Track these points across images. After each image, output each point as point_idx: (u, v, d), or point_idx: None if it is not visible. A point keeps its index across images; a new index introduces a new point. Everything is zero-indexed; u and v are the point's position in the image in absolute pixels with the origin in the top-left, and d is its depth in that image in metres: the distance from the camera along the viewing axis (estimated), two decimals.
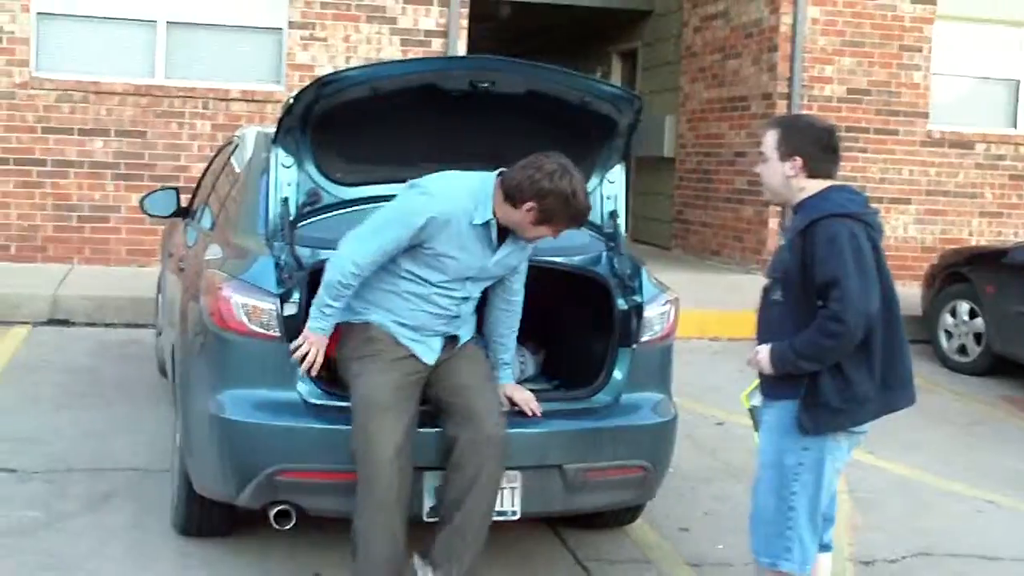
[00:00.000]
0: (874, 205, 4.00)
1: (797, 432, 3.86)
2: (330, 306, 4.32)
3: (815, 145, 3.93)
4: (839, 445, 3.92)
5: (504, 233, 4.39)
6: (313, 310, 4.36)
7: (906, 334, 3.98)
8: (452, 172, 4.41)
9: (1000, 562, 5.39)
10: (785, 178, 3.93)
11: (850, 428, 3.90)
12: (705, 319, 10.11)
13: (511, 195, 4.24)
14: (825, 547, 4.13)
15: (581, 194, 4.24)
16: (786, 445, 3.89)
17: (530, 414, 4.53)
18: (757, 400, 4.06)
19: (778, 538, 3.92)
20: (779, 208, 12.51)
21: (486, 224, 4.31)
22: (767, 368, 3.89)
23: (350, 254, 4.29)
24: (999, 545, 5.58)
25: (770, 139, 3.97)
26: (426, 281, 4.37)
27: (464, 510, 4.27)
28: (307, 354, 4.32)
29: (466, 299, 4.49)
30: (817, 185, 3.91)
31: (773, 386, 3.93)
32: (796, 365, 3.80)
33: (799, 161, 3.90)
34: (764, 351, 3.89)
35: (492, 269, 4.45)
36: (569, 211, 4.24)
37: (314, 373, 4.38)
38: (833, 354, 3.75)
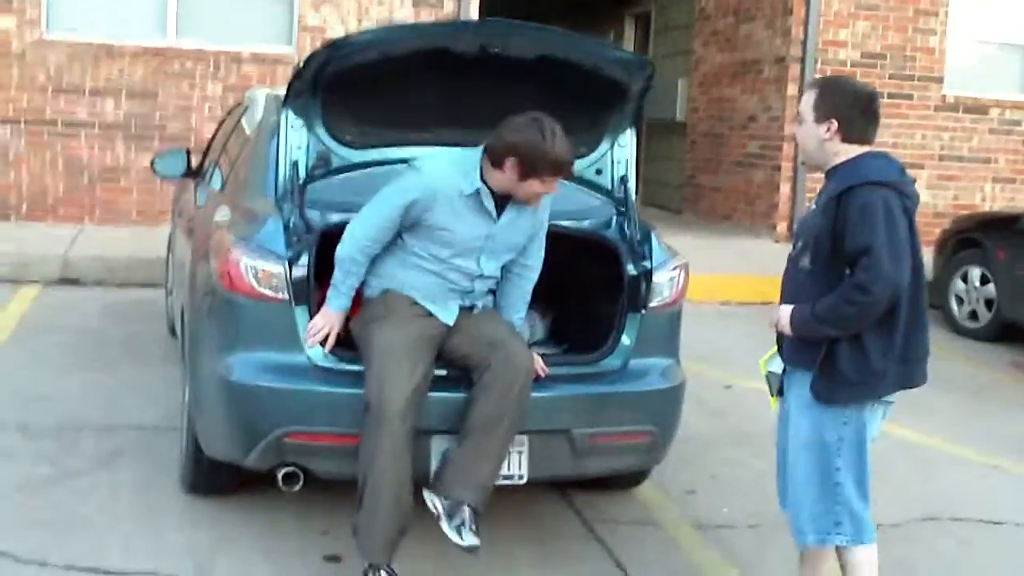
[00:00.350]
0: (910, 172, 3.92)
1: (832, 406, 3.78)
2: (344, 283, 4.42)
3: (853, 108, 3.81)
4: (875, 415, 3.86)
5: (505, 201, 4.40)
6: (331, 290, 4.45)
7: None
8: (448, 149, 4.50)
9: (1005, 526, 5.41)
10: (820, 141, 3.83)
11: (870, 400, 3.82)
12: (715, 283, 10.11)
13: (493, 159, 4.29)
14: None
15: (553, 138, 4.23)
16: (825, 420, 3.81)
17: (540, 375, 4.54)
18: (775, 367, 4.01)
19: (826, 515, 3.85)
20: (791, 173, 12.49)
21: (477, 193, 4.34)
22: (787, 329, 3.84)
23: (353, 231, 4.40)
24: (1004, 509, 5.60)
25: (808, 100, 3.86)
26: (434, 257, 4.41)
27: (491, 426, 4.28)
28: (321, 331, 4.41)
29: (481, 276, 4.51)
30: (852, 150, 3.81)
31: (794, 351, 3.87)
32: (815, 329, 3.74)
33: (835, 124, 3.79)
34: (785, 312, 3.83)
35: (501, 238, 4.45)
36: (547, 157, 4.23)
37: (326, 350, 4.41)
38: (854, 322, 3.68)
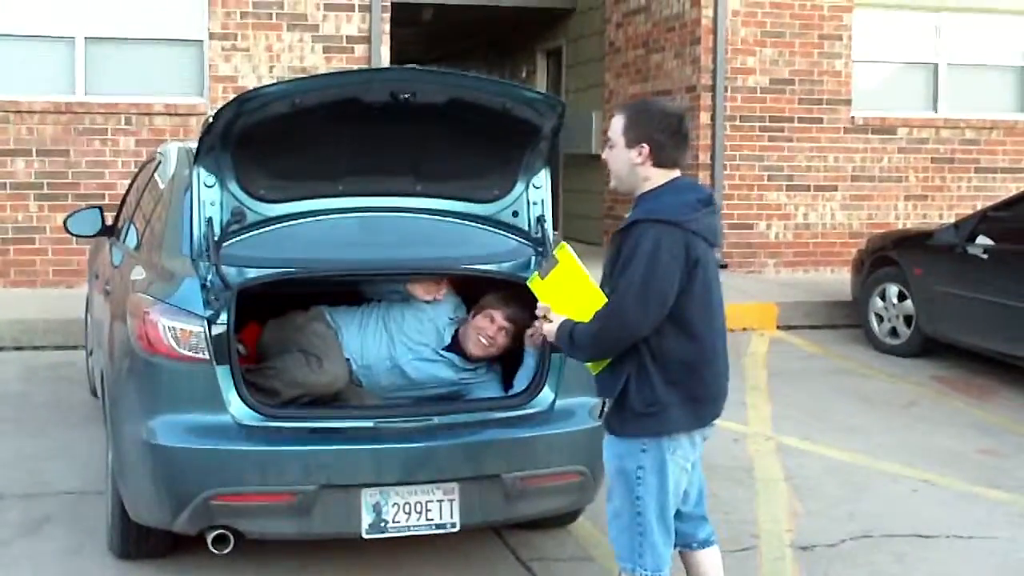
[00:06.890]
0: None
1: (624, 437, 3.74)
2: None
3: (663, 132, 3.74)
4: (679, 443, 3.75)
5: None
6: None
7: (728, 349, 3.85)
8: None
9: (937, 539, 5.48)
10: (631, 166, 3.76)
11: (661, 434, 3.72)
12: None
13: None
14: (706, 543, 4.02)
15: None
16: (623, 449, 3.76)
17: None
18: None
19: (630, 545, 3.79)
20: None
21: None
22: (552, 337, 3.79)
23: None
24: (935, 523, 5.66)
25: (617, 124, 3.79)
26: None
27: None
28: None
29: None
30: (663, 175, 3.76)
31: (599, 384, 3.81)
32: (568, 345, 3.72)
33: (646, 148, 3.73)
34: (557, 322, 3.77)
35: None
36: None
37: None
38: (588, 350, 3.70)
